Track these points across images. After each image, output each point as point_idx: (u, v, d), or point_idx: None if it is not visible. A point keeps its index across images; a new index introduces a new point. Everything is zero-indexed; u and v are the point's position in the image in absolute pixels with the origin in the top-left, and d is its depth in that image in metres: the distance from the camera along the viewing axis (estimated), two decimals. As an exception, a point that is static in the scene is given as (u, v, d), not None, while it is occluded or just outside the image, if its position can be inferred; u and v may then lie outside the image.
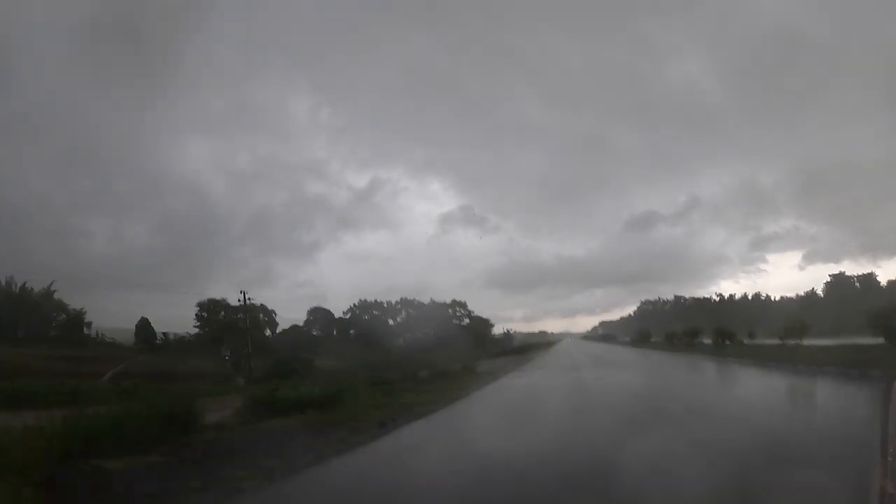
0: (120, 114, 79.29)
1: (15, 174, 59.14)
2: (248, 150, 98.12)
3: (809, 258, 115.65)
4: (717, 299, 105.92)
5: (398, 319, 66.51)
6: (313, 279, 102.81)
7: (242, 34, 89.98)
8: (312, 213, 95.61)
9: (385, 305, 66.40)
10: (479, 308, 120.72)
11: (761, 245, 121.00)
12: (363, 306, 63.86)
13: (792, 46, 75.12)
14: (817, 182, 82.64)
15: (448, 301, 74.17)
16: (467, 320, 74.55)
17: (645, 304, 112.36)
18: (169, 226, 70.18)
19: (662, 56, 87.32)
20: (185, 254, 71.82)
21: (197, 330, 57.53)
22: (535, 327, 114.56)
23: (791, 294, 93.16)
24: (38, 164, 62.72)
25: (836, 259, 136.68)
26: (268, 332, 58.93)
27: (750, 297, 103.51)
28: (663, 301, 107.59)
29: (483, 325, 76.06)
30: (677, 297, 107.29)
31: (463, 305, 74.89)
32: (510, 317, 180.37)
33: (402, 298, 66.97)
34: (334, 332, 60.04)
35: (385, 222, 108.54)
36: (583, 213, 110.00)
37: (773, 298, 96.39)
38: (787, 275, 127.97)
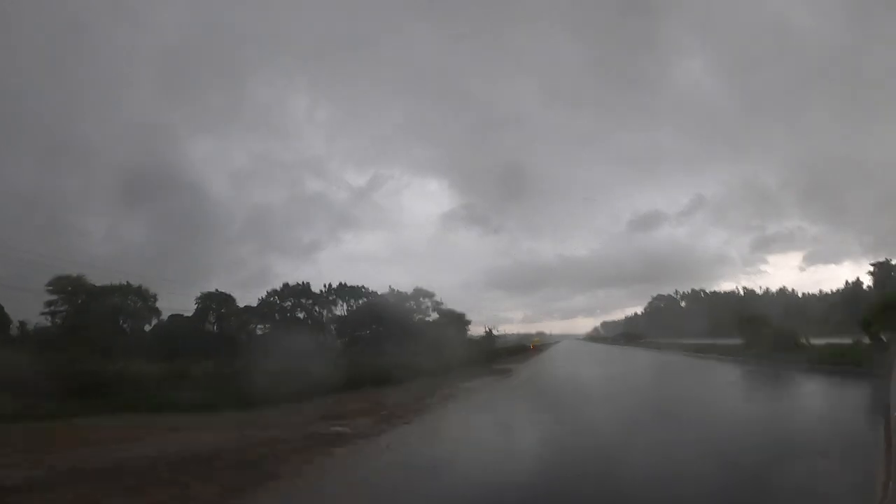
0: (113, 109, 69.05)
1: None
2: (244, 147, 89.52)
3: (810, 259, 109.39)
4: (743, 292, 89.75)
5: (335, 312, 49.93)
6: (312, 280, 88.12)
7: (240, 29, 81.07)
8: (310, 212, 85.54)
9: (321, 293, 49.78)
10: (480, 309, 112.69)
11: (763, 246, 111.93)
12: (287, 293, 47.36)
13: (796, 45, 71.50)
14: (821, 182, 76.14)
15: (409, 290, 57.53)
16: (434, 314, 57.97)
17: (657, 299, 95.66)
18: (163, 223, 59.35)
19: (665, 54, 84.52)
20: (180, 252, 59.75)
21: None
22: (536, 328, 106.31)
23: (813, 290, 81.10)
24: (28, 161, 52.04)
25: (836, 260, 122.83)
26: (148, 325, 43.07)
27: (774, 292, 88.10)
28: (680, 295, 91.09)
29: (456, 321, 59.39)
30: (695, 291, 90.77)
31: (429, 295, 58.19)
32: (510, 318, 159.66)
33: (340, 284, 50.35)
34: (235, 327, 43.55)
35: (384, 222, 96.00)
36: (584, 214, 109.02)
37: (799, 294, 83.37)
38: (787, 276, 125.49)
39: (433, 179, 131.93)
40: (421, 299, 57.76)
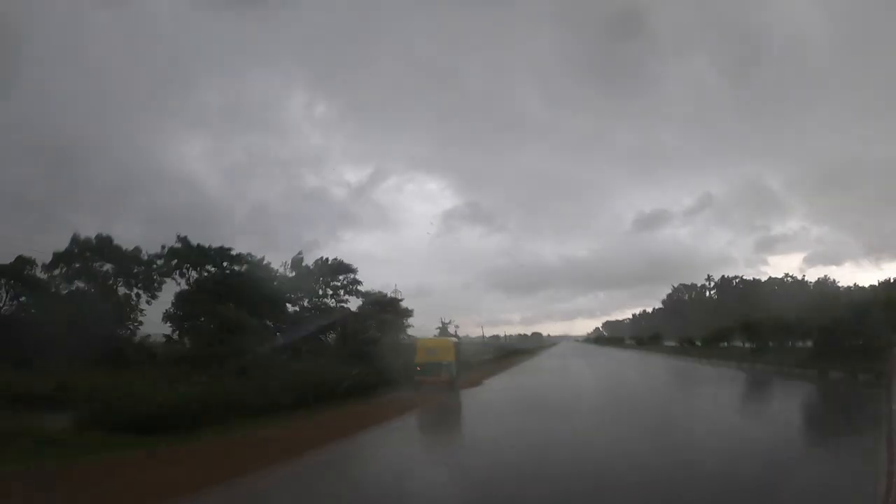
0: (108, 105, 63.14)
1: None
2: (240, 144, 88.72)
3: (811, 260, 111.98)
4: (789, 281, 69.60)
5: (162, 285, 30.28)
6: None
7: (237, 26, 79.23)
8: (307, 212, 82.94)
9: (145, 256, 30.29)
10: (479, 310, 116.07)
11: (767, 247, 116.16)
12: (81, 251, 27.81)
13: (800, 44, 70.08)
14: (825, 182, 76.80)
15: (312, 259, 37.43)
16: (352, 299, 38.16)
17: (679, 290, 75.52)
18: (160, 220, 54.66)
19: (668, 54, 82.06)
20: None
21: None
22: (534, 330, 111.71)
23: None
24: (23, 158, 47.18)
25: (837, 262, 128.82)
26: None
27: (812, 283, 68.69)
28: (713, 283, 70.81)
29: (387, 310, 39.57)
30: (726, 279, 70.31)
31: (346, 271, 38.27)
32: (510, 319, 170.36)
33: (183, 240, 30.74)
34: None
35: (384, 220, 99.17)
36: (585, 214, 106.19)
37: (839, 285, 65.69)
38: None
39: (433, 178, 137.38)
40: (334, 278, 38.07)
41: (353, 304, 38.38)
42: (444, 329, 43.94)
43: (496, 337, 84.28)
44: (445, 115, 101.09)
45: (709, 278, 71.43)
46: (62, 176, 58.13)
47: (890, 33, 75.95)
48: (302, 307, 35.58)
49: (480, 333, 75.10)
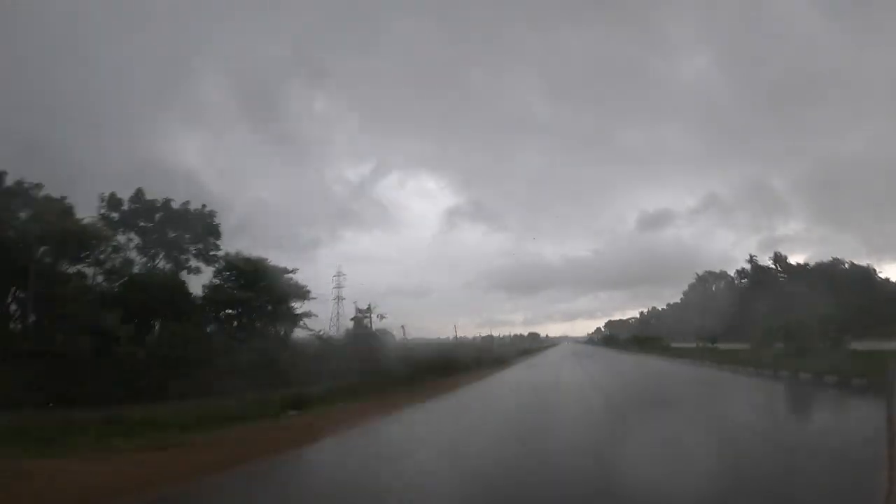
0: (106, 100, 56.83)
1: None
2: (238, 140, 77.44)
3: (812, 261, 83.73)
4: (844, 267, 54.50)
5: None
6: (309, 280, 79.86)
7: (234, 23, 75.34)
8: (306, 211, 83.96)
9: None
10: (480, 311, 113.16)
11: (768, 248, 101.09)
12: None
13: (803, 44, 70.27)
14: (827, 182, 71.97)
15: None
16: (203, 265, 25.37)
17: (704, 279, 60.89)
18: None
19: (672, 52, 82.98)
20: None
21: None
22: (534, 330, 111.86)
23: None
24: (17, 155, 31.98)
25: (839, 263, 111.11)
26: None
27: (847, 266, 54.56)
28: (747, 269, 55.83)
29: (283, 293, 26.58)
30: (779, 255, 54.91)
31: (197, 217, 25.34)
32: (511, 320, 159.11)
33: None
34: None
35: (383, 220, 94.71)
36: (587, 214, 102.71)
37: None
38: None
39: (434, 176, 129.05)
40: (179, 232, 25.57)
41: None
42: (358, 320, 29.95)
43: (490, 338, 72.80)
44: (447, 113, 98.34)
45: (751, 259, 56.35)
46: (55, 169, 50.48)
47: (891, 33, 72.71)
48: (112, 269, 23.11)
49: (454, 334, 62.13)
